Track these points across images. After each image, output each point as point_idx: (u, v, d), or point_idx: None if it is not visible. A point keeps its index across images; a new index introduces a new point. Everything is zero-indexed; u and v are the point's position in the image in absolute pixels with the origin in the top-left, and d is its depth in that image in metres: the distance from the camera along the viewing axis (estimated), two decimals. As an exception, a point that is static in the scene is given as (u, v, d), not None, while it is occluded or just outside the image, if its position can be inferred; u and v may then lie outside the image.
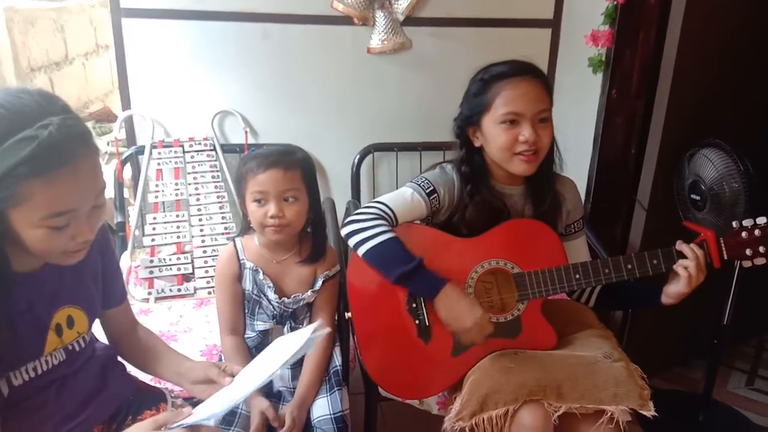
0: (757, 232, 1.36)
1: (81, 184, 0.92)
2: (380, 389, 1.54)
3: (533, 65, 1.46)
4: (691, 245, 1.37)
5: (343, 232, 1.45)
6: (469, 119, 1.47)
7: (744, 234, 1.37)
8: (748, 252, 1.36)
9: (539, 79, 1.43)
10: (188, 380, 1.17)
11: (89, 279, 1.13)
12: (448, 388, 1.45)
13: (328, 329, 1.30)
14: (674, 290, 1.39)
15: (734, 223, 1.39)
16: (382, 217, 1.42)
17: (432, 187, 1.47)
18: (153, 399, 1.25)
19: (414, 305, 1.43)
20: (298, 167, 1.44)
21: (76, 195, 0.92)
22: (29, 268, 1.03)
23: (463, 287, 1.43)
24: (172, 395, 1.29)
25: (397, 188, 1.54)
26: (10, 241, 0.93)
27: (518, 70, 1.43)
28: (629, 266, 1.40)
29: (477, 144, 1.48)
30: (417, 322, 1.43)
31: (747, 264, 1.38)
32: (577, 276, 1.41)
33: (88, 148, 0.93)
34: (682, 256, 1.37)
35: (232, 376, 1.10)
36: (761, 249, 1.36)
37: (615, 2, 1.97)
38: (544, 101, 1.42)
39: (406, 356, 1.44)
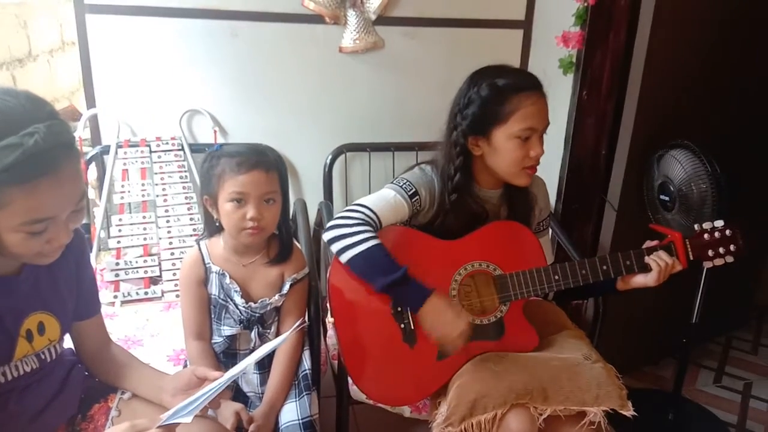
0: (717, 234, 1.44)
1: (62, 192, 0.91)
2: (352, 391, 1.52)
3: (538, 77, 1.44)
4: (660, 252, 1.41)
5: (326, 236, 1.41)
6: (476, 129, 1.42)
7: (706, 236, 1.44)
8: (710, 253, 1.43)
9: (544, 92, 1.42)
10: (168, 392, 1.15)
11: (63, 285, 1.12)
12: (433, 393, 1.43)
13: (306, 323, 1.31)
14: (640, 281, 1.42)
15: (696, 226, 1.45)
16: (366, 223, 1.38)
17: (414, 189, 1.46)
18: (101, 392, 1.22)
19: (399, 309, 1.41)
20: (276, 168, 1.41)
21: (56, 203, 0.91)
22: (4, 272, 1.02)
23: (448, 291, 1.42)
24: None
25: (370, 189, 1.53)
26: None
27: (535, 83, 1.40)
28: (604, 267, 1.42)
29: (477, 153, 1.44)
30: (402, 326, 1.41)
31: (708, 264, 1.45)
32: (557, 277, 1.42)
33: (71, 157, 0.92)
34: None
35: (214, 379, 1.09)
36: (721, 250, 1.43)
37: (586, 4, 1.98)
38: (548, 115, 1.42)
39: (392, 362, 1.42)
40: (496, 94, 1.38)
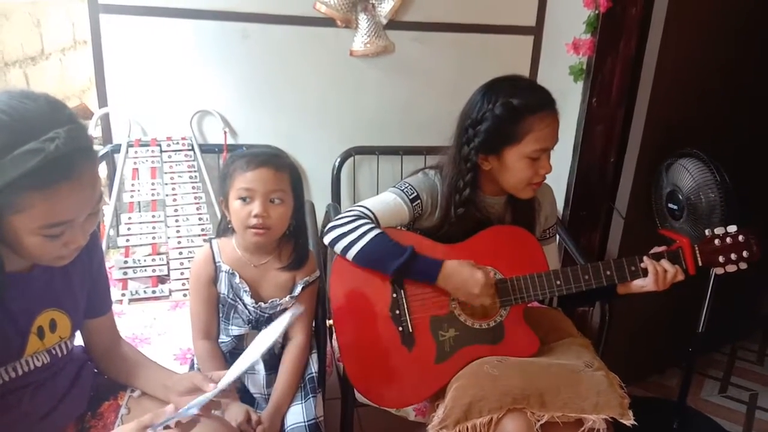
0: (728, 240, 1.40)
1: (81, 196, 0.92)
2: (357, 394, 1.52)
3: (551, 93, 1.43)
4: (663, 261, 1.39)
5: (327, 239, 1.43)
6: (488, 147, 1.42)
7: (717, 241, 1.41)
8: (720, 259, 1.40)
9: (556, 110, 1.41)
10: (175, 392, 1.15)
11: (76, 283, 1.12)
12: (432, 396, 1.43)
13: (302, 309, 1.33)
14: (639, 284, 1.41)
15: (707, 231, 1.42)
16: (362, 217, 1.40)
17: (415, 193, 1.46)
18: (110, 390, 1.23)
19: (397, 312, 1.42)
20: (287, 170, 1.42)
21: (74, 207, 0.92)
22: (16, 269, 1.02)
23: (449, 295, 1.42)
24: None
25: (377, 192, 1.54)
26: (2, 242, 0.93)
27: (549, 102, 1.40)
28: (608, 272, 1.41)
29: (486, 168, 1.45)
30: (400, 329, 1.42)
31: (719, 271, 1.42)
32: (558, 282, 1.41)
33: (90, 161, 0.93)
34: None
35: (215, 381, 1.08)
36: (732, 256, 1.40)
37: (597, 11, 1.98)
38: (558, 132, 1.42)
39: (390, 365, 1.42)
40: (510, 114, 1.37)
